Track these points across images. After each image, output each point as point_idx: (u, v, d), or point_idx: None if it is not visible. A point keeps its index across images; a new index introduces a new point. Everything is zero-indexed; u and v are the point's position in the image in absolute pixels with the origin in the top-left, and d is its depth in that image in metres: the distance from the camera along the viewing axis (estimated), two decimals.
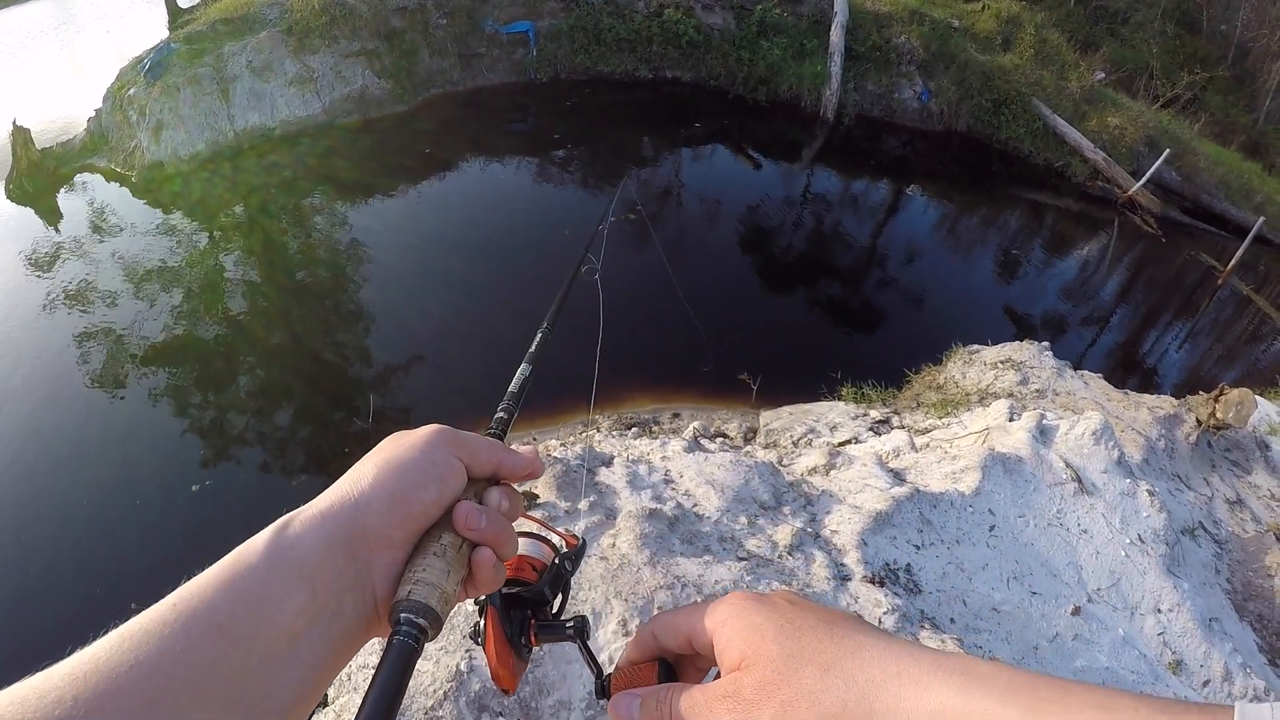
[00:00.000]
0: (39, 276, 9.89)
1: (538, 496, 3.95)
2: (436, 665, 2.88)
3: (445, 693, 2.84)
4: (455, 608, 0.69)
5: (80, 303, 9.24)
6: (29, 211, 11.68)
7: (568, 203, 11.70)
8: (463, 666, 2.87)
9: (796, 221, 11.94)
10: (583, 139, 13.66)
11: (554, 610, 0.86)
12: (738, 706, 0.55)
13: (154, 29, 17.44)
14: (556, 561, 0.86)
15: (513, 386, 0.97)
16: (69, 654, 0.52)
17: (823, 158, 14.03)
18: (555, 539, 0.90)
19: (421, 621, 0.62)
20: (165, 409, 7.68)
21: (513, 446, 0.78)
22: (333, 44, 13.02)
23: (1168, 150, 13.74)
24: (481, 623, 0.80)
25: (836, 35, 14.39)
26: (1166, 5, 21.67)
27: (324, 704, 2.94)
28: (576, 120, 14.15)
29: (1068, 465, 4.52)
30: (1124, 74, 18.57)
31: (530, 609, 0.82)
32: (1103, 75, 17.19)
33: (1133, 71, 19.18)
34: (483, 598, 0.79)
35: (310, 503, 0.64)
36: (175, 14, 16.97)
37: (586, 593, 3.25)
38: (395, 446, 0.69)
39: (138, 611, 0.54)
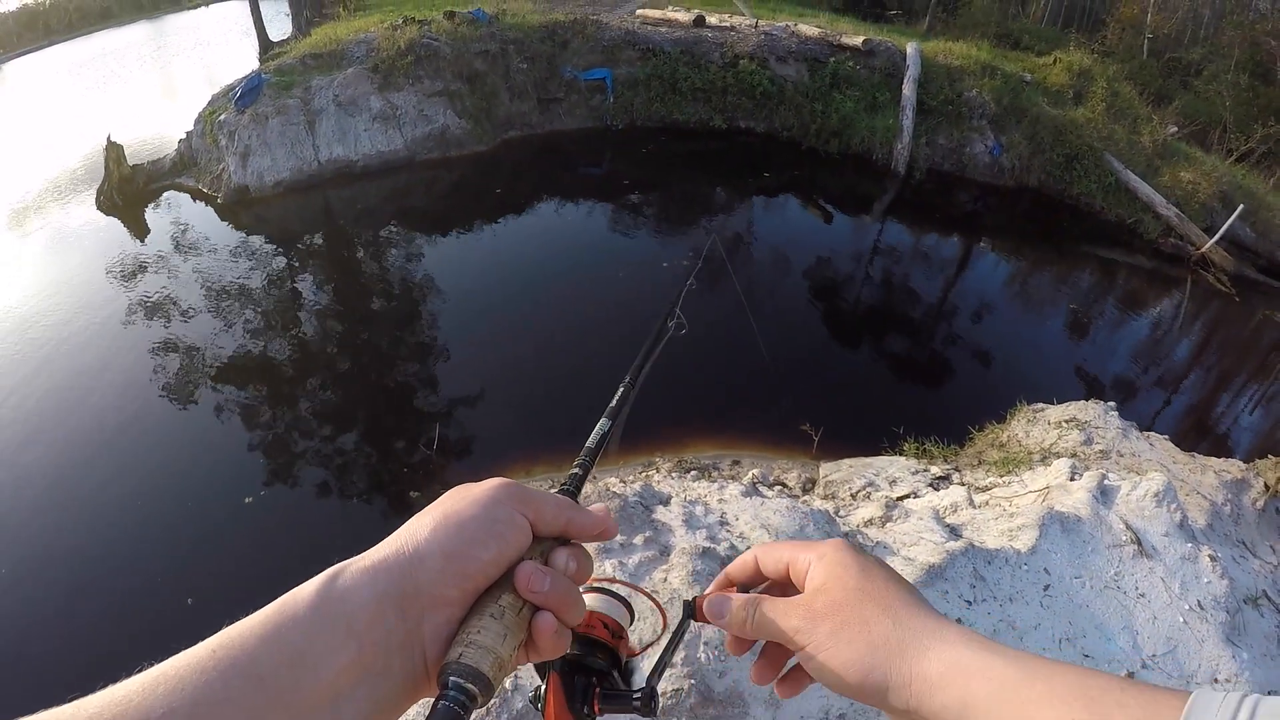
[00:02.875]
0: (122, 286, 10.39)
1: None
2: None
3: (490, 709, 2.93)
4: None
5: (159, 314, 9.67)
6: (117, 223, 12.35)
7: (636, 249, 11.90)
8: (507, 685, 2.95)
9: (865, 275, 11.93)
10: (656, 186, 13.93)
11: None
12: (808, 615, 0.69)
13: (245, 59, 18.24)
14: (621, 657, 0.83)
15: (590, 442, 0.92)
16: (99, 689, 0.51)
17: (893, 211, 14.04)
18: (633, 603, 0.87)
19: (471, 687, 0.59)
20: (230, 422, 7.95)
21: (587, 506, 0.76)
22: (416, 83, 13.53)
23: (1241, 206, 13.38)
24: (543, 687, 0.78)
25: (909, 89, 14.47)
26: (1240, 57, 21.29)
27: None
28: (651, 167, 14.44)
29: (1128, 527, 4.47)
30: (1197, 127, 18.19)
31: (595, 675, 0.80)
32: (1175, 129, 16.87)
33: (1206, 124, 18.79)
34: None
35: (363, 554, 0.63)
36: (267, 46, 17.72)
37: (636, 624, 3.31)
38: (456, 500, 0.67)
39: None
